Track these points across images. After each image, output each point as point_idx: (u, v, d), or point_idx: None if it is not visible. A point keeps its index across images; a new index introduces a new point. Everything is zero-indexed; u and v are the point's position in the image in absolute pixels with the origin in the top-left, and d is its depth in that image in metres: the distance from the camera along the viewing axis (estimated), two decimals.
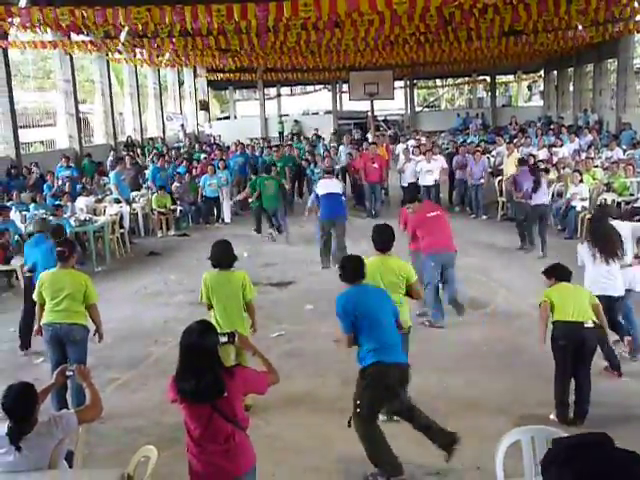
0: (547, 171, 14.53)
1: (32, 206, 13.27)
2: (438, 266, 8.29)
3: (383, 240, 5.89)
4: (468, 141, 22.15)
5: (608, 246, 6.57)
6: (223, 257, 6.14)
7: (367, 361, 4.92)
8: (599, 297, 6.10)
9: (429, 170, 15.31)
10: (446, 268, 8.36)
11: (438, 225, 8.40)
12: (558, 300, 5.84)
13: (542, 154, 16.78)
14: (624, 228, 7.17)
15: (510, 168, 15.02)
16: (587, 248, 6.68)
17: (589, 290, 6.18)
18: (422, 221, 8.39)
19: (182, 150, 23.72)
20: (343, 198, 11.62)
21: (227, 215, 16.33)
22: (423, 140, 21.10)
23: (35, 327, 6.45)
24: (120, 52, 20.70)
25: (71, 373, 4.44)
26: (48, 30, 15.61)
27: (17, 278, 11.05)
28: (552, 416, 5.78)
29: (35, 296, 6.38)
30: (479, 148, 17.22)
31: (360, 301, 5.02)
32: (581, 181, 13.23)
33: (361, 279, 5.16)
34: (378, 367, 4.88)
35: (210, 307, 6.15)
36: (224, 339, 3.96)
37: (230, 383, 3.65)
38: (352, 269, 5.18)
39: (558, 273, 6.11)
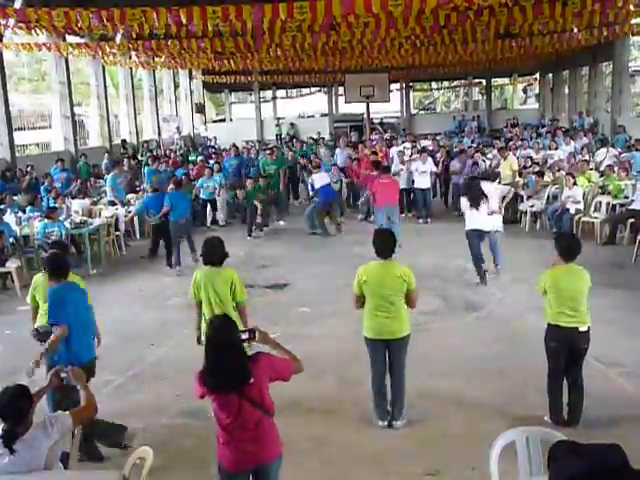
0: (542, 174, 14.58)
1: (29, 208, 13.26)
2: (384, 213, 12.57)
3: (384, 247, 5.85)
4: (466, 145, 22.09)
5: (474, 199, 9.95)
6: (214, 253, 6.12)
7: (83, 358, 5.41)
8: (474, 230, 10.04)
9: (423, 171, 15.33)
10: (390, 216, 12.54)
11: (387, 189, 12.68)
12: (554, 298, 5.74)
13: (541, 156, 16.87)
14: (490, 187, 10.42)
15: (506, 172, 15.04)
16: (465, 200, 10.20)
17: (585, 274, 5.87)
18: (377, 185, 12.89)
19: (178, 153, 23.70)
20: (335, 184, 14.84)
21: (221, 218, 16.30)
22: (427, 142, 21.20)
23: (31, 330, 6.40)
24: (115, 54, 20.68)
25: (65, 375, 4.42)
26: (43, 32, 15.58)
27: (12, 280, 11.03)
28: (546, 418, 5.79)
29: (28, 299, 6.34)
30: (477, 152, 17.19)
31: (67, 298, 5.53)
32: (575, 184, 13.25)
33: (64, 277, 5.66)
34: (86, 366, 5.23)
35: (200, 306, 6.11)
36: (245, 336, 3.98)
37: (255, 369, 3.72)
38: (56, 266, 5.68)
39: (561, 247, 5.85)
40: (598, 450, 1.70)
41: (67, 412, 4.03)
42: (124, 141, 25.39)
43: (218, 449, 3.87)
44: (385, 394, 5.95)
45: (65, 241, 11.08)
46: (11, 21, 12.86)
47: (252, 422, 3.76)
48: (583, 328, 5.69)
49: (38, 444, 3.78)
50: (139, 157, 22.40)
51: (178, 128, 29.73)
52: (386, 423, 5.90)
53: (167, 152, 22.95)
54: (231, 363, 3.68)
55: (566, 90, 33.79)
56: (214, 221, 16.23)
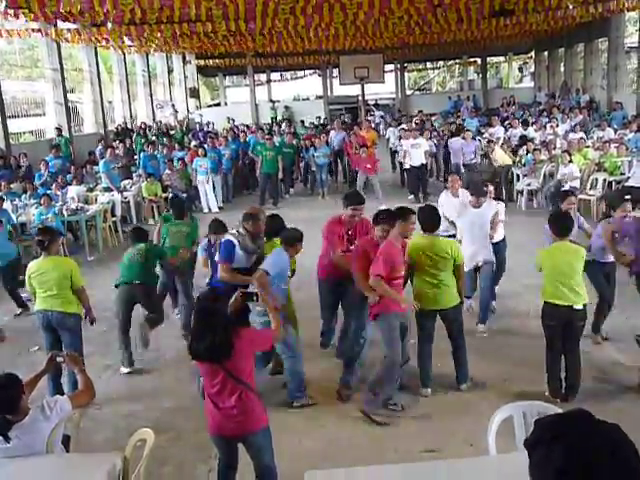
0: (538, 151, 14.57)
1: (23, 196, 13.24)
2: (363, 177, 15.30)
3: (430, 221, 6.08)
4: (471, 126, 21.85)
5: None
6: (276, 228, 6.45)
7: None
8: None
9: (416, 144, 15.35)
10: (368, 177, 15.25)
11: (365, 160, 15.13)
12: (549, 275, 5.80)
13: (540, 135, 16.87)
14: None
15: (499, 158, 14.87)
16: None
17: (579, 249, 5.89)
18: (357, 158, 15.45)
19: (176, 136, 23.60)
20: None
21: (213, 204, 16.22)
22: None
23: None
24: (107, 40, 20.54)
25: (61, 359, 4.46)
26: (31, 17, 15.44)
27: None
28: (547, 393, 5.83)
29: (27, 286, 6.46)
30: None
31: None
32: (570, 161, 13.24)
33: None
34: None
35: None
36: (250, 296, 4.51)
37: (238, 344, 3.92)
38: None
39: (553, 224, 6.00)
40: (586, 438, 1.67)
41: (65, 396, 4.06)
42: (119, 126, 25.31)
43: (206, 416, 4.13)
44: (431, 362, 6.16)
45: (57, 228, 11.14)
46: (2, 6, 12.76)
47: (234, 393, 3.95)
48: (578, 306, 5.71)
49: (37, 428, 3.81)
50: (133, 138, 22.32)
51: (174, 106, 29.63)
52: (429, 390, 6.10)
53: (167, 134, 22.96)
54: (213, 333, 3.86)
55: (562, 68, 33.66)
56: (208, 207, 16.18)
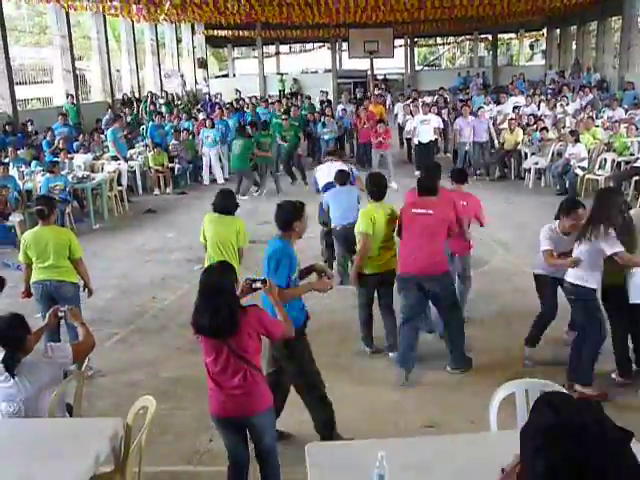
0: (546, 129, 14.45)
1: (33, 163, 13.20)
2: (377, 155, 14.87)
3: (377, 189, 6.29)
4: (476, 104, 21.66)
5: None
6: (223, 204, 6.52)
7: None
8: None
9: (425, 120, 15.21)
10: (382, 155, 14.84)
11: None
12: None
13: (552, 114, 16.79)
14: None
15: (511, 140, 14.75)
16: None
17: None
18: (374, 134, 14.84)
19: (181, 106, 23.47)
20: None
21: (219, 175, 16.11)
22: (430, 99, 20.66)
23: (22, 289, 6.41)
24: (116, 8, 20.36)
25: (63, 314, 4.55)
26: None
27: (15, 234, 11.04)
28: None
29: (20, 256, 6.31)
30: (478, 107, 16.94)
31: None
32: (578, 141, 13.11)
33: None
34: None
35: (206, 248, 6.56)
36: (257, 284, 4.17)
37: (243, 321, 3.74)
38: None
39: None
40: (576, 406, 1.67)
41: (67, 343, 4.17)
42: (125, 95, 25.20)
43: (208, 397, 3.96)
44: None
45: (65, 195, 11.22)
46: None
47: (236, 373, 3.78)
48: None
49: (38, 367, 3.95)
50: (140, 110, 22.21)
51: (182, 76, 29.46)
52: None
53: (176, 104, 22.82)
54: (221, 308, 3.69)
55: (573, 46, 33.28)
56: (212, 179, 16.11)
